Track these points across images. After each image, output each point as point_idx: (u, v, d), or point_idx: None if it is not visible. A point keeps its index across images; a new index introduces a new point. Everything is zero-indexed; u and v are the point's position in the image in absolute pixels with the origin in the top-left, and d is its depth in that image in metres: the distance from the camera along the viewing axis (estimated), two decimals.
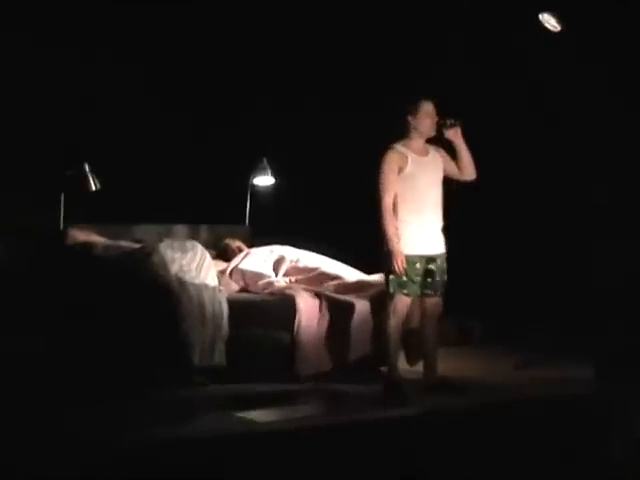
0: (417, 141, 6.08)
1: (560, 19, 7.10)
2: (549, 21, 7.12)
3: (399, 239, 5.94)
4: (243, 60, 7.76)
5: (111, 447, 4.78)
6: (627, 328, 6.32)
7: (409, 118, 6.03)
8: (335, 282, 6.79)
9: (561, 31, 7.09)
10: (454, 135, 6.10)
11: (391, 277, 6.00)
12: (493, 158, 7.03)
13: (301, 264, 6.95)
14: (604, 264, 6.46)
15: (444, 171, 6.14)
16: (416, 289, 6.03)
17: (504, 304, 7.58)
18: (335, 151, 7.88)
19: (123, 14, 7.25)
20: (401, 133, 6.07)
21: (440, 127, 6.06)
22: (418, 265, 5.99)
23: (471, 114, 6.08)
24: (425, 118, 6.04)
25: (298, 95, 7.86)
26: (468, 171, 6.17)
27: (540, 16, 7.12)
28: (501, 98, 7.66)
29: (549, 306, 7.52)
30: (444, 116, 6.07)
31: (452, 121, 6.06)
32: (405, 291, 6.01)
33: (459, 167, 6.16)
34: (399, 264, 5.91)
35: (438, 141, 6.18)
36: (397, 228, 5.96)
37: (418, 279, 6.01)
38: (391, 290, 6.03)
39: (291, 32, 7.81)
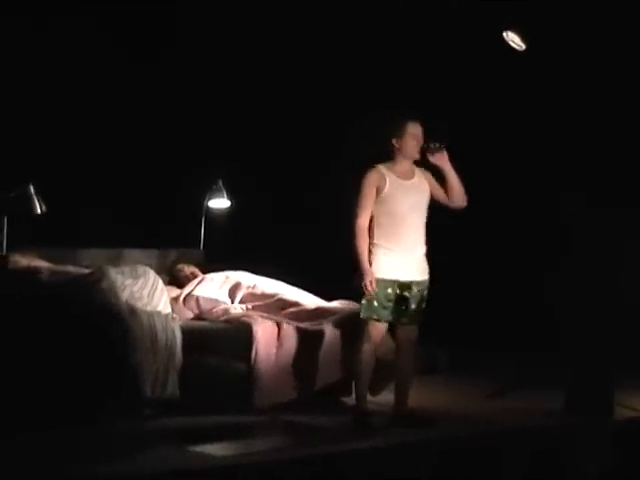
0: (402, 164, 5.93)
1: (525, 37, 7.04)
2: (514, 39, 7.11)
3: (371, 263, 5.82)
4: (197, 79, 7.64)
5: None
6: (598, 359, 6.25)
7: (393, 141, 5.88)
8: (294, 309, 6.65)
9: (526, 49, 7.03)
10: (440, 160, 5.92)
11: (363, 302, 5.88)
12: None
13: (258, 290, 6.83)
14: (576, 295, 6.31)
15: (433, 197, 5.97)
16: (387, 315, 5.88)
17: (472, 332, 7.52)
18: (292, 173, 7.77)
19: (65, 32, 7.09)
20: (387, 155, 5.92)
21: (424, 151, 5.89)
22: (390, 290, 5.86)
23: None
24: (410, 140, 5.88)
25: (255, 116, 7.68)
26: (457, 198, 5.99)
27: (505, 34, 7.08)
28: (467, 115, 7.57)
29: (519, 335, 7.48)
30: (428, 140, 5.89)
31: (437, 145, 5.89)
32: (375, 316, 5.87)
33: (447, 193, 5.98)
34: (368, 284, 5.79)
35: (425, 165, 6.01)
36: (371, 252, 5.84)
37: (389, 304, 5.87)
38: (362, 315, 5.90)
39: (245, 49, 7.74)
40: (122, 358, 5.78)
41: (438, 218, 6.06)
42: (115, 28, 7.26)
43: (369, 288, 5.78)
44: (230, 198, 7.48)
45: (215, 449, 5.27)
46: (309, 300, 6.74)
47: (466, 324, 7.58)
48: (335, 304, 6.65)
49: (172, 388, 5.93)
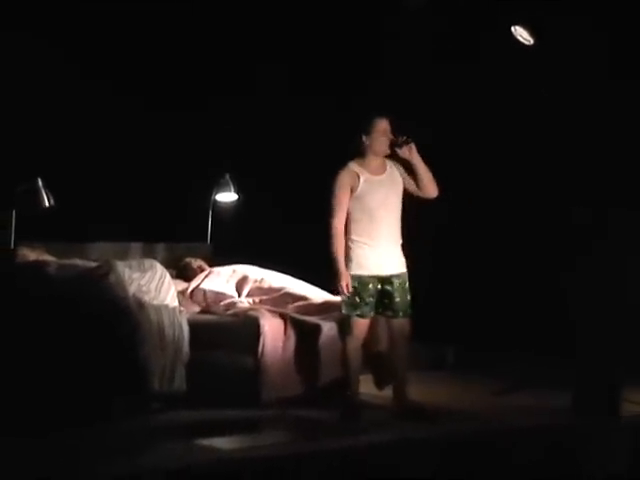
0: (373, 159, 5.96)
1: (533, 32, 7.01)
2: (522, 34, 7.07)
3: (351, 259, 5.87)
4: (203, 73, 7.62)
5: None
6: (605, 357, 6.21)
7: (363, 137, 5.91)
8: (301, 303, 6.67)
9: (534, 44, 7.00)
10: (408, 153, 5.93)
11: (343, 298, 5.92)
12: (469, 179, 6.91)
13: (265, 284, 6.84)
14: (583, 292, 6.30)
15: (405, 189, 5.99)
16: (368, 310, 5.92)
17: (478, 329, 7.50)
18: (300, 167, 7.73)
19: (77, 24, 7.11)
20: (357, 152, 5.94)
21: (393, 145, 5.91)
22: (371, 286, 5.89)
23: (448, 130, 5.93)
24: (379, 137, 5.92)
25: (261, 109, 7.69)
26: (427, 189, 6.00)
27: (513, 29, 7.05)
28: (482, 115, 7.54)
29: (525, 333, 7.44)
30: (396, 134, 5.92)
31: (404, 138, 5.91)
32: (358, 312, 5.90)
33: (418, 185, 6.00)
34: (343, 286, 5.85)
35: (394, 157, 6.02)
36: (350, 248, 5.88)
37: (371, 300, 5.90)
38: (344, 312, 5.95)
39: (250, 45, 7.72)
40: (130, 352, 5.77)
41: (445, 217, 6.10)
42: (119, 30, 7.26)
43: (344, 290, 5.83)
44: (237, 192, 7.47)
45: (222, 443, 5.28)
46: (316, 294, 6.74)
47: (474, 322, 7.54)
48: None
49: (179, 382, 5.92)
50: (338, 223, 5.85)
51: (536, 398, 6.51)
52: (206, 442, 5.24)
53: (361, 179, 5.88)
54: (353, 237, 5.88)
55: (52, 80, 7.06)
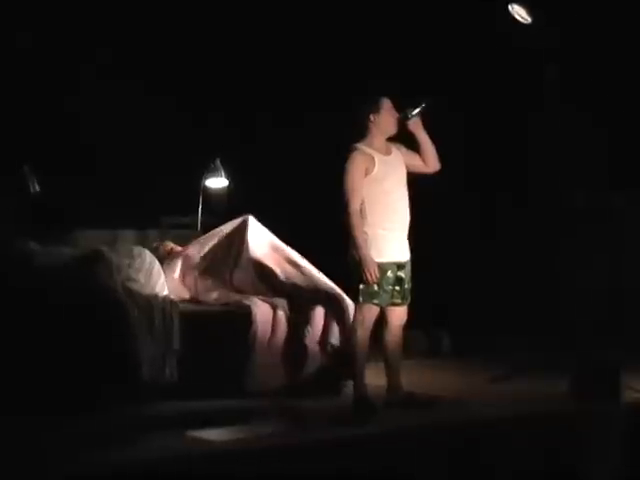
0: (379, 140, 5.80)
1: (530, 11, 6.89)
2: (519, 12, 6.93)
3: (369, 247, 5.63)
4: (195, 61, 7.62)
5: (53, 472, 4.54)
6: (604, 344, 6.20)
7: (371, 117, 5.76)
8: (287, 290, 6.44)
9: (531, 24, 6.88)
10: (416, 126, 5.85)
11: (362, 287, 5.68)
12: (464, 165, 6.83)
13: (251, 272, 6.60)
14: (579, 278, 6.23)
15: (408, 168, 5.87)
16: (387, 298, 5.74)
17: (474, 315, 7.45)
18: (291, 152, 7.72)
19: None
20: (361, 133, 5.79)
21: (402, 120, 5.83)
22: (390, 273, 5.71)
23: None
24: (387, 115, 5.79)
25: (251, 94, 7.68)
26: (432, 162, 5.91)
27: (510, 7, 6.91)
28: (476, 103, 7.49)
29: (522, 318, 7.39)
30: (404, 108, 5.84)
31: (413, 112, 5.84)
32: (376, 301, 5.72)
33: (423, 159, 5.89)
34: (372, 273, 5.60)
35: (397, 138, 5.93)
36: (367, 234, 5.65)
37: (389, 288, 5.73)
38: (361, 300, 5.73)
39: (242, 36, 7.73)
40: (119, 342, 5.71)
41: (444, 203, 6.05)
42: (108, 16, 7.20)
43: (373, 277, 5.59)
44: (227, 177, 7.38)
45: (215, 434, 5.19)
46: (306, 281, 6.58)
47: (469, 307, 7.51)
48: (331, 285, 6.42)
49: (170, 372, 5.87)
50: (357, 207, 5.60)
51: (533, 384, 6.44)
52: (197, 433, 5.16)
53: (376, 160, 5.69)
54: (370, 222, 5.64)
55: (41, 67, 7.03)
